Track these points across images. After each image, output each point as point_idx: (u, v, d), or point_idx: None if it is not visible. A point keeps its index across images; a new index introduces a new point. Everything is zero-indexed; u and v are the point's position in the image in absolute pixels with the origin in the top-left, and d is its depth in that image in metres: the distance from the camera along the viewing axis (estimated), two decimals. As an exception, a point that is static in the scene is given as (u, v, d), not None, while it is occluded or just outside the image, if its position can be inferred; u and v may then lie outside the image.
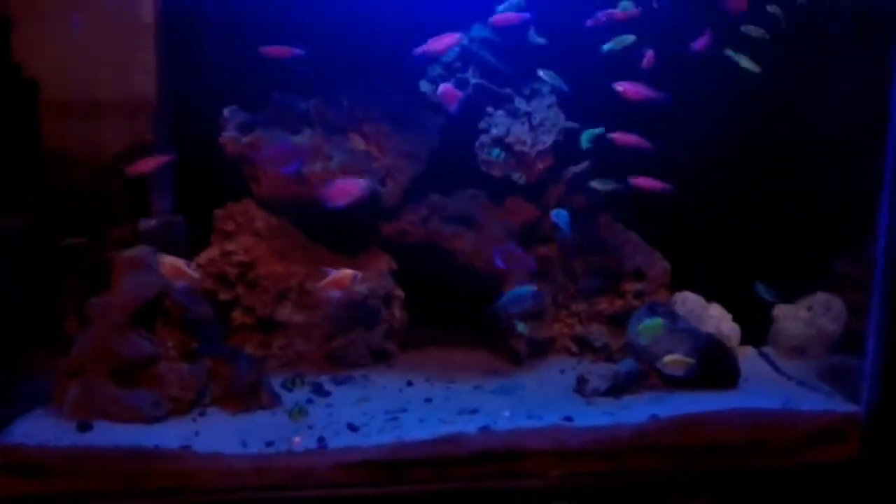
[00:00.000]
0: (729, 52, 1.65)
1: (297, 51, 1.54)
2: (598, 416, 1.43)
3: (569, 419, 1.39)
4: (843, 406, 1.47)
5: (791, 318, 1.88)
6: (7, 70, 1.73)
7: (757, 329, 1.92)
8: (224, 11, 1.77)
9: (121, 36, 1.75)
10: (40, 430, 1.31)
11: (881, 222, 1.44)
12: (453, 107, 1.59)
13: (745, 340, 1.91)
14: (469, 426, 1.37)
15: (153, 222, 1.75)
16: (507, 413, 1.42)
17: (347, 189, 1.46)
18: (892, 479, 1.45)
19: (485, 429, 1.36)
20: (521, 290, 1.64)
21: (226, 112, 1.64)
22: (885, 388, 1.42)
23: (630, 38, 1.60)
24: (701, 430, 1.39)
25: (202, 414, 1.41)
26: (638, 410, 1.45)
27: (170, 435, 1.33)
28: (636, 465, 1.39)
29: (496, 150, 1.62)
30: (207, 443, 1.31)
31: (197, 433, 1.34)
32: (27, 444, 1.26)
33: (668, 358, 1.49)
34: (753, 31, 1.64)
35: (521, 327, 1.65)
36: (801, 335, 1.84)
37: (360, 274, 1.50)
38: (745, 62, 1.64)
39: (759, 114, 1.85)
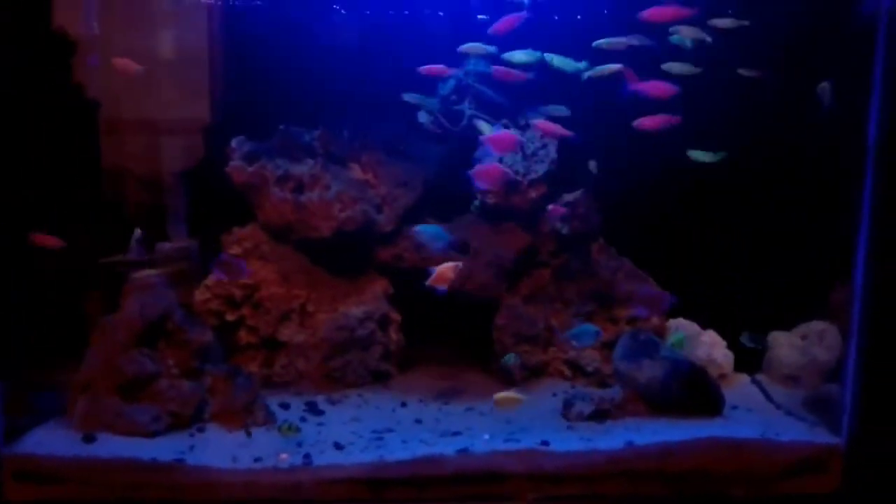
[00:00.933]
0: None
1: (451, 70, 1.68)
2: (576, 441, 1.46)
3: (545, 443, 1.43)
4: (824, 437, 1.48)
5: (786, 346, 1.89)
6: (70, 91, 1.87)
7: (752, 357, 1.95)
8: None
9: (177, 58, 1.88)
10: (51, 440, 1.42)
11: (858, 255, 1.46)
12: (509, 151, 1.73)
13: (740, 367, 1.94)
14: (448, 448, 1.42)
15: (168, 246, 1.88)
16: (486, 436, 1.47)
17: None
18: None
19: (463, 451, 1.41)
20: (586, 328, 1.72)
21: (233, 142, 1.75)
22: (862, 420, 1.44)
23: (614, 67, 1.66)
24: (676, 457, 1.42)
25: (200, 430, 1.50)
26: (617, 436, 1.48)
27: (166, 449, 1.42)
28: (611, 490, 1.42)
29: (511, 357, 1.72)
30: (201, 457, 1.40)
31: (192, 447, 1.43)
32: (37, 454, 1.37)
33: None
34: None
35: (512, 359, 1.70)
36: (794, 364, 1.84)
37: (460, 264, 1.58)
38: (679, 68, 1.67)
39: (760, 139, 1.87)
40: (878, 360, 1.43)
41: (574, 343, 1.74)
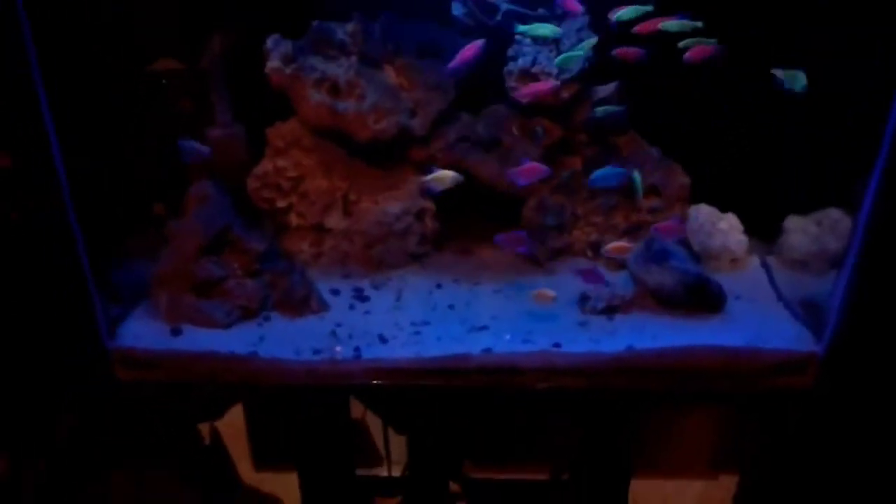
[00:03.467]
0: None
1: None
2: (585, 342, 1.69)
3: (557, 345, 1.66)
4: (806, 345, 1.66)
5: (800, 231, 1.98)
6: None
7: (769, 236, 2.06)
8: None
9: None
10: (144, 333, 1.71)
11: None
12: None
13: (755, 247, 2.07)
14: (475, 347, 1.67)
15: (217, 131, 1.99)
16: (507, 336, 1.70)
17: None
18: (839, 409, 1.70)
19: (486, 350, 1.66)
20: (610, 171, 1.80)
21: (269, 42, 1.76)
22: (841, 336, 1.61)
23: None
24: (670, 359, 1.64)
25: (266, 319, 1.77)
26: (622, 337, 1.70)
27: (241, 340, 1.70)
28: (613, 384, 1.68)
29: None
30: (270, 349, 1.68)
31: (262, 338, 1.71)
32: (137, 347, 1.67)
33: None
34: None
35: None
36: (805, 250, 1.96)
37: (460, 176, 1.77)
38: None
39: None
40: (865, 290, 1.55)
41: (599, 185, 1.83)
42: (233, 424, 2.76)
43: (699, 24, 1.64)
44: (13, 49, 1.43)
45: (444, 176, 1.72)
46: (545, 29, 1.70)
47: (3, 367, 2.00)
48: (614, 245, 1.84)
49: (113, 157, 1.98)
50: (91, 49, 1.84)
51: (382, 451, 2.78)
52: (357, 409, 2.62)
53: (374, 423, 2.79)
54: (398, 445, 2.82)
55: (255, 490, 2.78)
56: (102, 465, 2.27)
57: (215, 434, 2.57)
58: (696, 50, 1.64)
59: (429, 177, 1.72)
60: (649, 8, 1.62)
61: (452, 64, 1.65)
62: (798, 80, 1.66)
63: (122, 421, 2.26)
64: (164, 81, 2.00)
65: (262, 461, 2.91)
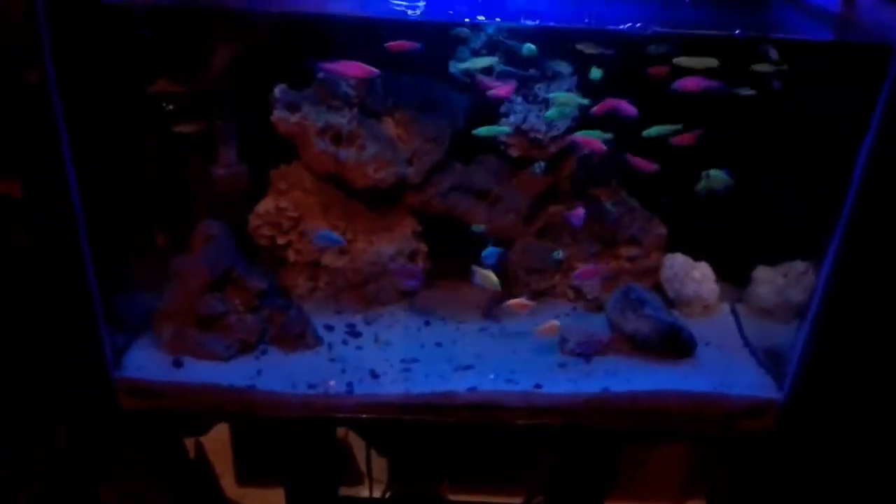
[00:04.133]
0: None
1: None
2: (564, 382, 1.80)
3: (538, 386, 1.78)
4: (768, 392, 1.80)
5: (767, 282, 2.12)
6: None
7: (740, 281, 2.19)
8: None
9: None
10: (148, 364, 1.80)
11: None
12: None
13: (727, 292, 2.20)
14: (460, 385, 1.78)
15: (222, 171, 2.08)
16: (491, 376, 1.81)
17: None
18: (797, 451, 1.83)
19: (472, 389, 1.77)
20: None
21: (276, 91, 1.86)
22: (800, 385, 1.74)
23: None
24: (642, 402, 1.77)
25: (264, 352, 1.86)
26: (598, 380, 1.82)
27: (239, 374, 1.79)
28: (589, 422, 1.80)
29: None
30: (267, 382, 1.78)
31: (259, 372, 1.80)
32: (140, 377, 1.76)
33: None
34: None
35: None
36: (772, 301, 2.10)
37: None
38: None
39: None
40: (824, 344, 1.69)
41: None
42: (218, 440, 2.84)
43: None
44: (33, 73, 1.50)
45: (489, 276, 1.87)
46: (484, 61, 1.82)
47: (8, 384, 2.08)
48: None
49: (115, 183, 2.05)
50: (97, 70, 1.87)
51: (364, 471, 2.87)
52: (340, 429, 2.71)
53: (357, 444, 2.89)
54: (379, 465, 2.91)
55: (237, 505, 2.85)
56: (92, 478, 2.34)
57: (200, 449, 2.65)
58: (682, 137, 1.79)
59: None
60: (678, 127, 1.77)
61: (489, 92, 1.78)
62: (719, 179, 1.86)
63: (113, 437, 2.34)
64: (164, 105, 2.08)
65: (245, 477, 2.98)
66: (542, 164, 1.94)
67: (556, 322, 1.90)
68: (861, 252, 1.61)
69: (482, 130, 1.86)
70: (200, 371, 1.80)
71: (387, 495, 2.86)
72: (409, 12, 1.57)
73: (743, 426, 1.80)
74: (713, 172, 1.86)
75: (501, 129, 1.90)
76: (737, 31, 1.55)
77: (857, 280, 1.67)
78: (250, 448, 2.94)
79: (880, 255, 1.62)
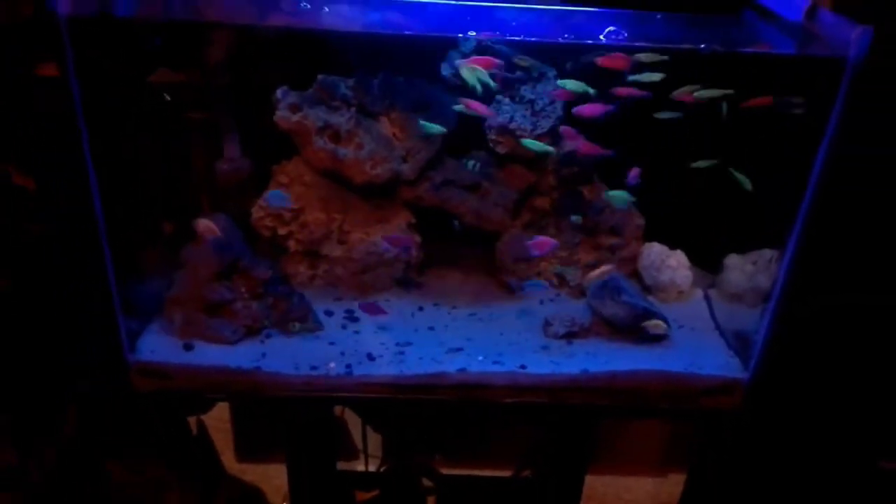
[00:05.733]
0: None
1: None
2: (547, 364, 1.95)
3: (523, 367, 1.92)
4: (734, 371, 1.95)
5: (738, 269, 2.26)
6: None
7: (712, 271, 2.34)
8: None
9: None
10: (160, 347, 1.92)
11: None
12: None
13: (700, 278, 2.34)
14: (451, 367, 1.92)
15: (226, 166, 2.19)
16: (480, 357, 1.95)
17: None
18: (762, 426, 1.99)
19: (461, 370, 1.91)
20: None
21: (278, 93, 1.97)
22: (764, 366, 1.89)
23: None
24: (619, 381, 1.92)
25: (268, 336, 1.99)
26: (579, 361, 1.96)
27: (246, 356, 1.92)
28: (570, 400, 1.94)
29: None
30: (271, 364, 1.91)
31: (264, 355, 1.93)
32: (153, 360, 1.88)
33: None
34: None
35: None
36: (741, 286, 2.24)
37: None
38: None
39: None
40: (785, 328, 1.84)
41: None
42: (219, 418, 2.99)
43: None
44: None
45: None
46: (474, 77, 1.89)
47: (24, 367, 2.20)
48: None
49: (124, 172, 2.14)
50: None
51: (360, 446, 3.02)
52: (337, 408, 2.86)
53: (353, 421, 3.04)
54: (375, 441, 3.07)
55: (237, 480, 3.01)
56: (102, 456, 2.48)
57: (202, 427, 2.79)
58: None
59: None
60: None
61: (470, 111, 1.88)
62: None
63: (122, 417, 2.47)
64: (165, 95, 2.17)
65: (245, 453, 3.14)
66: (580, 217, 2.14)
67: (606, 267, 2.08)
68: (814, 250, 1.76)
69: (427, 126, 1.94)
70: (209, 354, 1.93)
71: (382, 469, 3.03)
72: (302, 4, 1.66)
73: (713, 403, 1.96)
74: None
75: (439, 128, 1.95)
76: (702, 46, 1.68)
77: (812, 274, 1.82)
78: (250, 425, 3.09)
79: (831, 253, 1.77)
